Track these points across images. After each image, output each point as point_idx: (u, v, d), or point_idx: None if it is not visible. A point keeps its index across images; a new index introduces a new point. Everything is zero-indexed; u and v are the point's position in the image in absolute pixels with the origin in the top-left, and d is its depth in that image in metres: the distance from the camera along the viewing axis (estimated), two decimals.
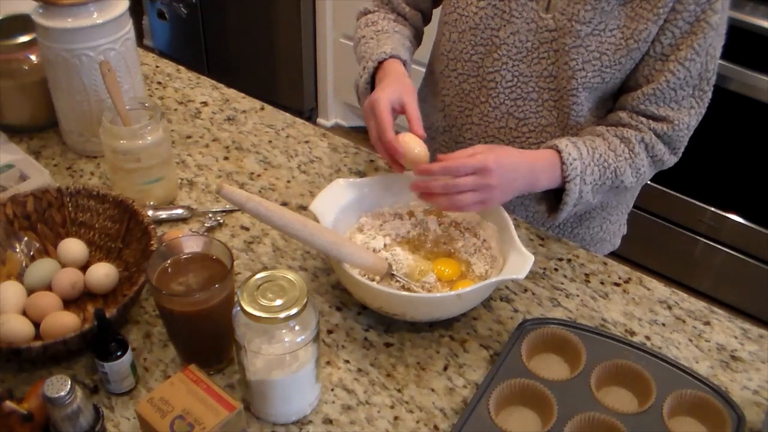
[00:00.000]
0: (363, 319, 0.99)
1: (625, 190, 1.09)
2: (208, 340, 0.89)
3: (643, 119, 1.06)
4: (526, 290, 1.05)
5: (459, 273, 1.00)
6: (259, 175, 1.23)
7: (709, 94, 1.06)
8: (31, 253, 1.02)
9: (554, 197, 1.07)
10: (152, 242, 0.96)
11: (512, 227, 0.99)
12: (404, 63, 1.11)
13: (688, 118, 1.05)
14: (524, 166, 1.00)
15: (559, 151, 1.01)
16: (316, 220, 0.96)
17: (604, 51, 1.03)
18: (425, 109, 1.29)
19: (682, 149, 1.09)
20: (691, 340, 0.99)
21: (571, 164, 1.00)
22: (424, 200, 1.01)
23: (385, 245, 1.02)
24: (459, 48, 1.14)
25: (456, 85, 1.18)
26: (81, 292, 0.97)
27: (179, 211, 1.13)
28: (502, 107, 1.13)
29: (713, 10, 0.98)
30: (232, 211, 1.14)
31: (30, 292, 0.96)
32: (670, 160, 1.10)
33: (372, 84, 1.11)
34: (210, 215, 1.13)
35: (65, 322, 0.91)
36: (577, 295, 1.04)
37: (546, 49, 1.06)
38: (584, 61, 1.04)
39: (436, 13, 1.23)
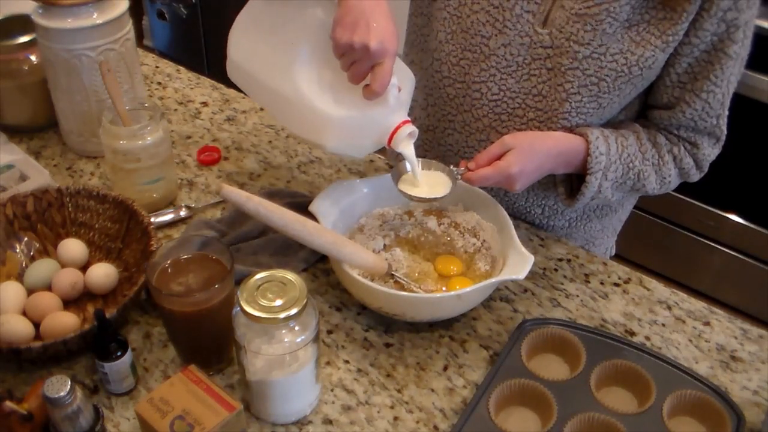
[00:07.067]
0: (363, 319, 0.99)
1: (646, 193, 1.09)
2: (208, 340, 0.89)
3: (673, 136, 1.06)
4: (526, 290, 1.04)
5: (461, 269, 1.00)
6: (259, 175, 1.23)
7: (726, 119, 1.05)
8: (31, 253, 1.02)
9: (576, 180, 1.08)
10: (152, 242, 0.96)
11: (512, 227, 0.99)
12: None
13: (710, 149, 1.06)
14: (550, 161, 1.01)
15: (588, 142, 1.00)
16: (316, 220, 0.96)
17: (603, 77, 0.97)
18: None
19: (707, 166, 1.10)
20: (691, 341, 0.99)
21: (596, 158, 1.00)
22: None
23: (385, 245, 1.02)
24: (446, 49, 1.06)
25: (440, 88, 1.10)
26: (81, 292, 0.97)
27: (179, 211, 1.13)
28: (485, 120, 1.06)
29: (732, 40, 0.94)
30: None
31: (30, 292, 0.96)
32: (696, 174, 1.10)
33: None
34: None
35: (65, 322, 0.91)
36: (577, 296, 1.04)
37: (538, 66, 1.00)
38: (580, 85, 0.98)
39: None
